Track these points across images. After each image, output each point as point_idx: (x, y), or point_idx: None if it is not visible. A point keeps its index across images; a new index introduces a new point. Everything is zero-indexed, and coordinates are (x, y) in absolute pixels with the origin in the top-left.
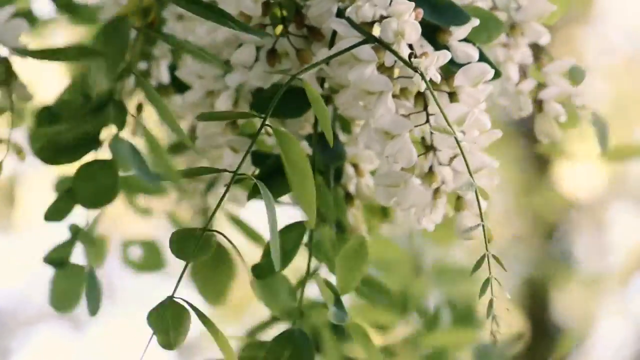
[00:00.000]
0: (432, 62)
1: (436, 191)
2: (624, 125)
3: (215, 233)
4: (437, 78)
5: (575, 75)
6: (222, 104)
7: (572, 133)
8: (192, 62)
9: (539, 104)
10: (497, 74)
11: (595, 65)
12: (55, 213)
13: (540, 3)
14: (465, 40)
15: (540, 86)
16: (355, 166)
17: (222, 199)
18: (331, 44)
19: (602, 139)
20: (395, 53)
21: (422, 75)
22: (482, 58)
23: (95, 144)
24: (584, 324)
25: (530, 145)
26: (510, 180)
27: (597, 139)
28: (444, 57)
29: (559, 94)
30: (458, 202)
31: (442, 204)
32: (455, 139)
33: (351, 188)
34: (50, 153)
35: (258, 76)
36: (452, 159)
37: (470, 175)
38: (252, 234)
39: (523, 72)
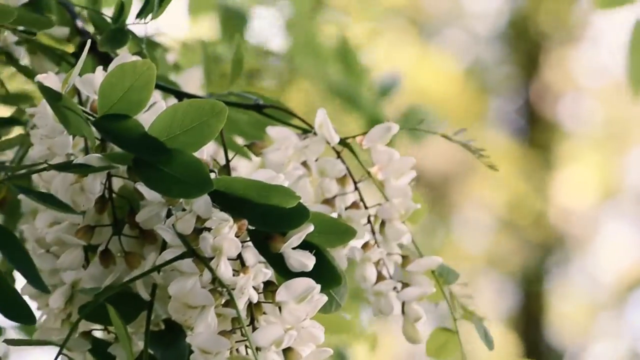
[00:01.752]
0: (248, 280)
1: None
2: (615, 147)
3: None
4: (255, 297)
5: (445, 274)
6: (55, 301)
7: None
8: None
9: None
10: (337, 281)
11: (586, 87)
12: None
13: (405, 201)
14: (310, 244)
15: (405, 286)
16: None
17: None
18: (163, 248)
19: (487, 339)
20: (210, 269)
21: (231, 296)
22: (325, 264)
23: None
24: (579, 345)
25: (530, 157)
26: (507, 199)
27: (482, 339)
28: (263, 275)
29: (420, 295)
30: None
31: None
32: None
33: None
34: None
35: (92, 276)
36: None
37: None
38: None
39: (387, 272)
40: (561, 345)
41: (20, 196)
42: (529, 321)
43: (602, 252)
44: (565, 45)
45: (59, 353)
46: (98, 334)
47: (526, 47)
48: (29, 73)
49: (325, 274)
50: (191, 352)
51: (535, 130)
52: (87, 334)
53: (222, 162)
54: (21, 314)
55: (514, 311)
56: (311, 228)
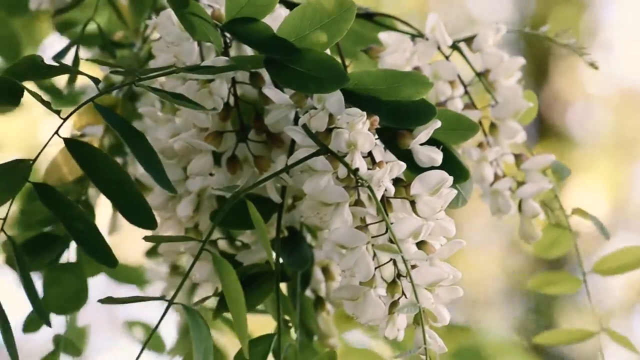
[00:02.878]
0: (385, 174)
1: (393, 305)
2: (625, 156)
3: None
4: (391, 190)
5: (558, 171)
6: (183, 209)
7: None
8: None
9: (518, 204)
10: (465, 176)
11: (596, 96)
12: (31, 324)
13: (517, 100)
14: (435, 141)
15: (520, 184)
16: (325, 269)
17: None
18: (291, 151)
19: (603, 230)
20: (346, 165)
21: (371, 189)
22: (452, 160)
23: (63, 246)
24: (589, 354)
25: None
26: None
27: (599, 231)
28: (398, 167)
29: (537, 191)
30: (417, 317)
31: (400, 318)
32: (403, 257)
33: (322, 292)
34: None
35: (220, 183)
36: (405, 274)
37: (415, 294)
38: None
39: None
40: (571, 355)
41: (143, 110)
42: (540, 331)
43: None
44: (575, 53)
45: (201, 249)
46: None
47: (536, 55)
48: None
49: (453, 169)
50: (312, 259)
51: (545, 139)
52: (213, 243)
53: None
54: (145, 219)
55: (525, 321)
56: (438, 124)
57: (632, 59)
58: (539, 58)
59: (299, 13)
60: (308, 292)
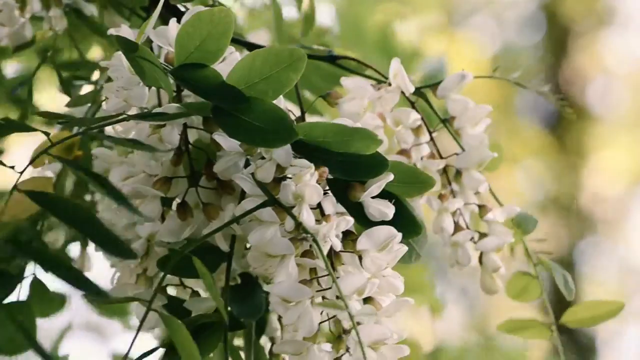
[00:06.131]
0: (331, 229)
1: None
2: None
3: None
4: (338, 245)
5: (522, 223)
6: None
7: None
8: (104, 209)
9: (479, 256)
10: (417, 231)
11: (616, 72)
12: None
13: (481, 150)
14: (389, 194)
15: (482, 236)
16: (281, 317)
17: None
18: (241, 199)
19: (567, 287)
20: (293, 217)
21: (316, 243)
22: (405, 214)
23: (14, 285)
24: (611, 329)
25: (561, 142)
26: (537, 185)
27: (561, 287)
28: (345, 223)
29: (498, 245)
30: None
31: None
32: (349, 314)
33: (278, 340)
34: None
35: (169, 230)
36: (348, 330)
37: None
38: None
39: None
40: (593, 330)
41: (96, 151)
42: (561, 306)
43: (633, 236)
44: (594, 30)
45: (148, 309)
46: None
47: (556, 32)
48: (98, 29)
49: (405, 223)
50: (267, 306)
51: (565, 115)
52: (163, 290)
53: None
54: (123, 251)
55: (546, 297)
56: (391, 177)
57: None
58: (559, 35)
59: (249, 61)
60: (265, 340)
